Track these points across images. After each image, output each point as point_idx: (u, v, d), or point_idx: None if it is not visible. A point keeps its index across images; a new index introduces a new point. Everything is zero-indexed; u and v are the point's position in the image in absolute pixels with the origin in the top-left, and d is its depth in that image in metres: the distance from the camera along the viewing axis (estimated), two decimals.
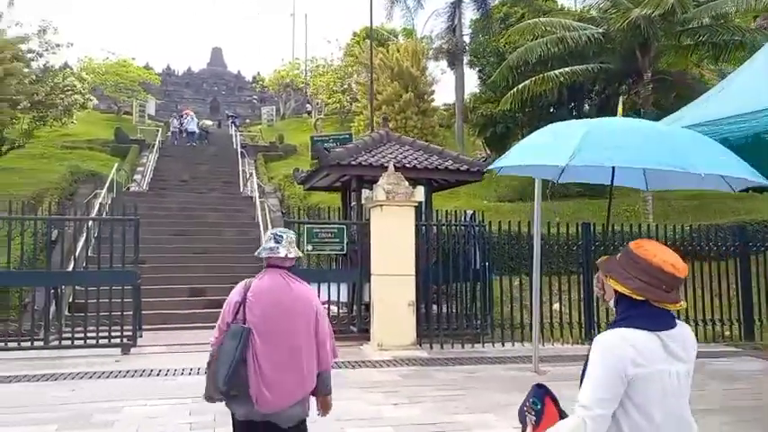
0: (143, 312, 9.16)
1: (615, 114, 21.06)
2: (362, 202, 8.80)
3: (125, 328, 8.21)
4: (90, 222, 10.71)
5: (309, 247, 8.83)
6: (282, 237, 3.03)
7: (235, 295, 3.00)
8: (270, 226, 14.44)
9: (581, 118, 21.20)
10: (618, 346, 1.75)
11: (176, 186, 18.90)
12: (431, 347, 8.58)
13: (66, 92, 18.66)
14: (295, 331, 2.94)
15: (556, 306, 10.21)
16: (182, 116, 28.06)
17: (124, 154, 21.92)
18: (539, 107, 20.93)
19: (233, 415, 3.00)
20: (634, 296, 1.82)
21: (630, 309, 1.83)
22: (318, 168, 9.60)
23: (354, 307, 9.18)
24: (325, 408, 3.13)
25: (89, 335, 8.09)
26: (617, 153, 2.98)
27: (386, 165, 9.18)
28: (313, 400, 3.09)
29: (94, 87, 27.97)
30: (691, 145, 3.10)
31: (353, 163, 9.31)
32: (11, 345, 7.89)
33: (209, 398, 2.98)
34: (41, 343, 7.89)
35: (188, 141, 26.22)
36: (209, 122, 30.08)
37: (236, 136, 28.37)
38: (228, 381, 2.81)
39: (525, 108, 17.94)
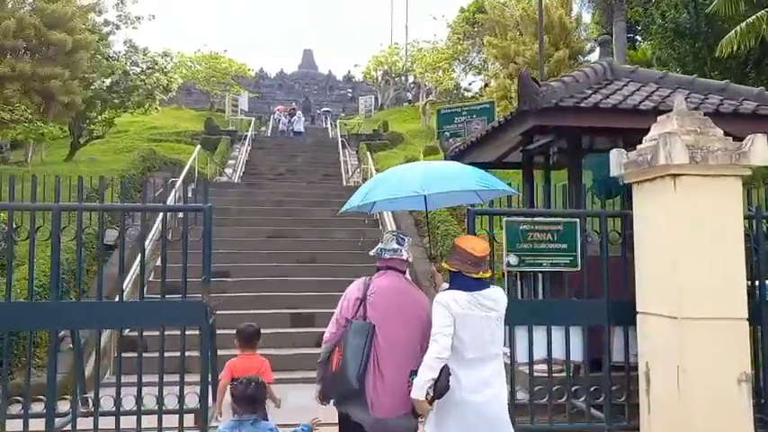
0: (222, 354, 5.33)
1: None
2: (620, 171, 4.57)
3: (186, 398, 4.60)
4: (159, 219, 7.23)
5: (512, 260, 4.73)
6: (405, 239, 3.32)
7: (354, 291, 3.14)
8: (392, 225, 10.72)
9: None
10: (447, 299, 3.09)
11: (271, 180, 16.07)
12: None
13: (146, 72, 16.04)
14: (412, 335, 3.09)
15: None
16: (290, 114, 26.29)
17: (214, 146, 19.39)
18: (724, 67, 15.51)
19: (344, 417, 3.05)
20: (453, 269, 3.15)
21: (455, 279, 3.18)
22: (512, 118, 5.46)
23: (593, 370, 4.90)
24: None
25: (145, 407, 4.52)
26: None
27: (642, 108, 4.98)
28: None
29: (185, 83, 26.17)
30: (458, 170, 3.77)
31: (584, 105, 5.10)
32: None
33: (326, 398, 3.09)
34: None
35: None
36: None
37: (333, 126, 25.74)
38: (361, 378, 2.88)
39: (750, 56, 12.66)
